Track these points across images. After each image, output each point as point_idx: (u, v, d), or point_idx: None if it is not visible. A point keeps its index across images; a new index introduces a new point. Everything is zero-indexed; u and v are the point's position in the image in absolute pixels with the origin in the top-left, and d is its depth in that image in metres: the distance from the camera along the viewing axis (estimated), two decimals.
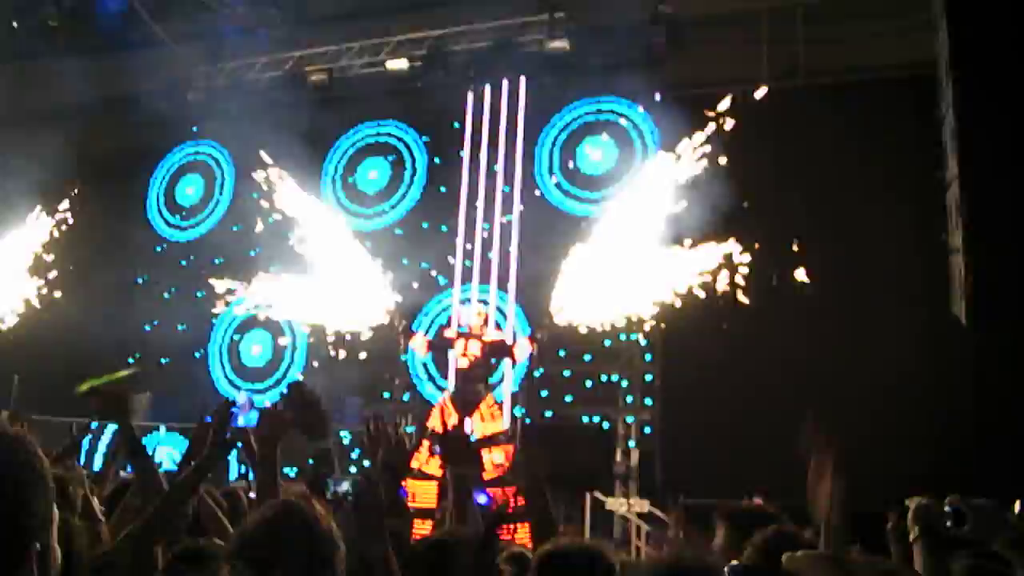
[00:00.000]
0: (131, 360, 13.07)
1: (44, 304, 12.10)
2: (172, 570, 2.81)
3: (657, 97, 11.88)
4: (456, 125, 13.16)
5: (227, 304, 10.94)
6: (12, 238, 12.16)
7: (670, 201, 9.71)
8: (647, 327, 10.22)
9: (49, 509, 1.25)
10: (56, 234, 12.24)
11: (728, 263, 9.24)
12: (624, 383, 12.08)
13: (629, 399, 12.00)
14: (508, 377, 11.50)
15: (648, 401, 11.91)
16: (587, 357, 11.77)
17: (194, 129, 14.33)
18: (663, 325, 10.05)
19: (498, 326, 10.26)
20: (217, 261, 13.13)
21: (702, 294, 9.26)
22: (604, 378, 12.04)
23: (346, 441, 11.99)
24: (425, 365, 11.55)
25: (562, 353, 11.51)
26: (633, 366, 12.06)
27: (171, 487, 2.92)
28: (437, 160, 13.62)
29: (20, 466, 1.20)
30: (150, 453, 3.17)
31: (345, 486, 3.71)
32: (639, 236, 9.77)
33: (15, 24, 13.79)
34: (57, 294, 12.13)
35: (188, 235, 14.71)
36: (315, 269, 10.50)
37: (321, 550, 2.11)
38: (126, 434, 3.08)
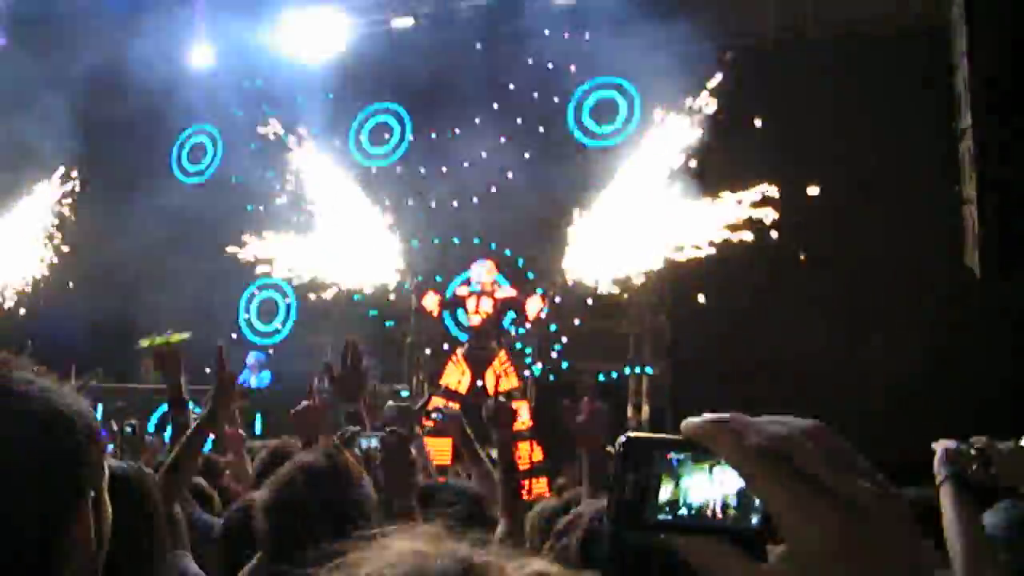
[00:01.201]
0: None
1: (55, 272, 12.16)
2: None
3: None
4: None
5: (248, 267, 11.04)
6: (24, 207, 12.20)
7: (679, 155, 9.71)
8: (658, 281, 10.26)
9: (101, 459, 1.29)
10: (68, 201, 12.26)
11: (739, 215, 9.24)
12: (635, 338, 12.09)
13: (640, 354, 12.02)
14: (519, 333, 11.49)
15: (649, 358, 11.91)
16: (598, 312, 11.74)
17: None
18: (674, 279, 10.06)
19: (510, 283, 10.26)
20: (226, 221, 13.10)
21: (712, 248, 9.27)
22: (616, 333, 12.04)
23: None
24: (438, 323, 11.51)
25: (573, 308, 11.52)
26: (644, 321, 12.06)
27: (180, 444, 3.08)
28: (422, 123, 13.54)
29: (73, 414, 1.25)
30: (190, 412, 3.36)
31: (374, 442, 3.77)
32: (650, 190, 9.78)
33: None
34: (67, 262, 12.18)
35: (198, 199, 14.60)
36: (327, 228, 10.57)
37: (354, 499, 2.16)
38: (175, 391, 3.27)
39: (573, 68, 12.17)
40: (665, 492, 0.80)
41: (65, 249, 12.30)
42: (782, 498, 0.74)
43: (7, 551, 1.16)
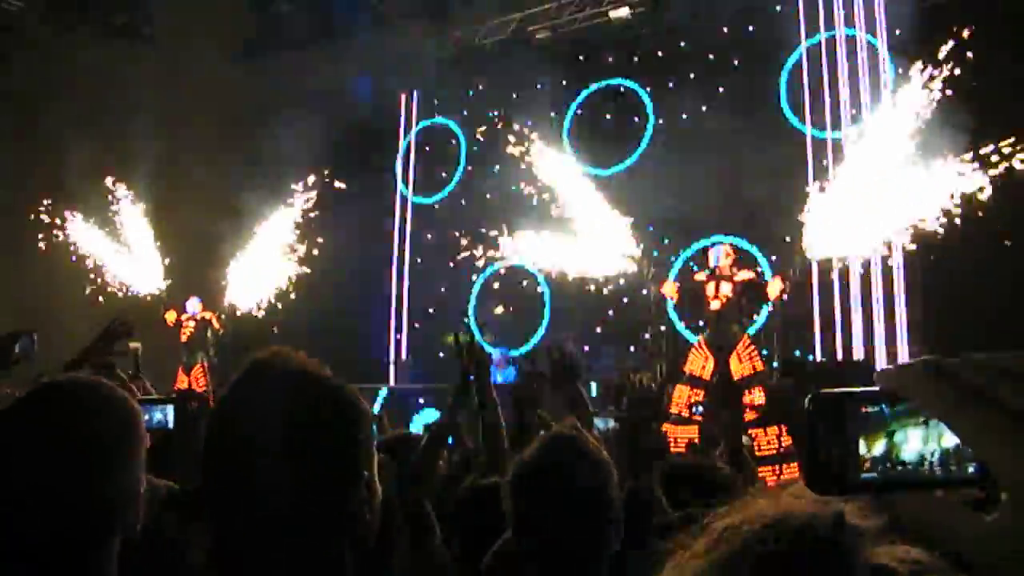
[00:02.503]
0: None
1: (303, 280, 12.79)
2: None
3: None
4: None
5: (482, 264, 11.36)
6: (271, 222, 12.91)
7: (916, 120, 9.26)
8: (904, 255, 9.83)
9: (371, 443, 1.38)
10: (310, 215, 12.86)
11: (988, 178, 8.73)
12: (881, 316, 11.61)
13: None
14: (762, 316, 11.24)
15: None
16: (839, 290, 11.32)
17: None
18: (921, 252, 9.60)
19: (748, 265, 10.03)
20: (461, 223, 13.50)
21: (960, 214, 8.80)
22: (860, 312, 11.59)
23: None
24: (676, 310, 11.44)
25: (815, 287, 11.19)
26: (890, 298, 11.56)
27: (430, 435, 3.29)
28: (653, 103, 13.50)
29: (349, 403, 1.36)
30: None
31: (610, 423, 3.86)
32: (887, 159, 9.37)
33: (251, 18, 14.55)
34: (308, 270, 12.79)
35: (432, 201, 15.10)
36: (560, 223, 10.71)
37: (595, 478, 2.18)
38: (479, 380, 3.38)
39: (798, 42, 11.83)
40: (873, 448, 0.74)
41: (312, 255, 12.88)
42: (987, 438, 0.68)
43: (302, 514, 1.28)
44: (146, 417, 4.83)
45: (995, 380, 0.69)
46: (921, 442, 0.75)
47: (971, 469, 0.74)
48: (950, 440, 0.74)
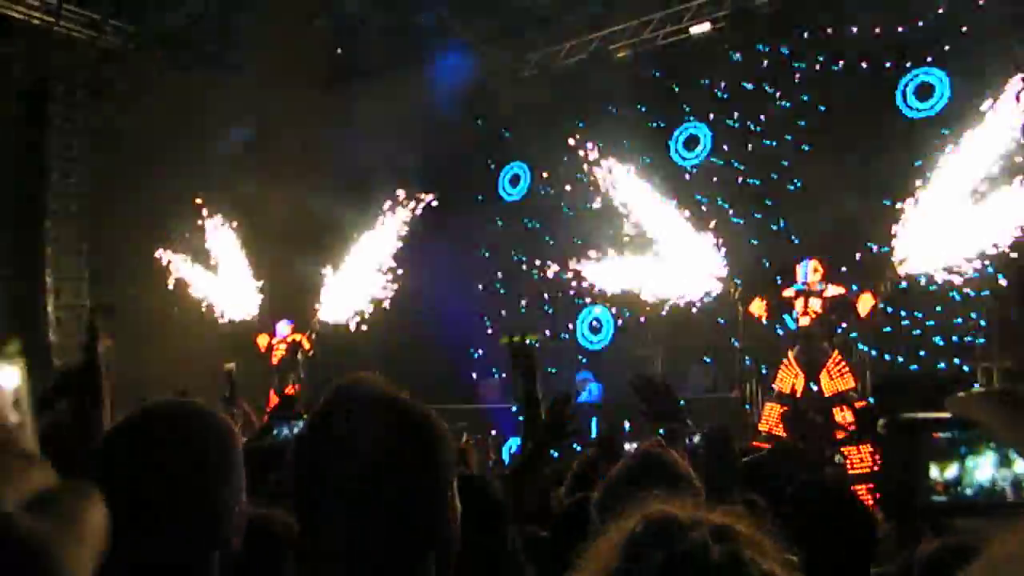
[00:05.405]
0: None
1: (396, 298, 12.87)
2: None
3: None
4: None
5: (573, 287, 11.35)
6: (362, 244, 13.04)
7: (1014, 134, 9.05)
8: (1000, 268, 9.58)
9: (452, 464, 1.43)
10: (404, 234, 12.93)
11: None
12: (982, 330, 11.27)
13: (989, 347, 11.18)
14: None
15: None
16: (937, 305, 11.00)
17: None
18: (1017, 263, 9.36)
19: (838, 281, 9.84)
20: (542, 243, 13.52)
21: None
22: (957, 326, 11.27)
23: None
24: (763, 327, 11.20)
25: (910, 302, 10.92)
26: (988, 310, 11.21)
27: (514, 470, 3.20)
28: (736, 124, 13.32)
29: (431, 425, 1.40)
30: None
31: (696, 439, 3.85)
32: (982, 174, 9.15)
33: (339, 50, 14.80)
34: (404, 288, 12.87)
35: (517, 226, 15.07)
36: (646, 246, 10.67)
37: (682, 492, 2.19)
38: (528, 385, 3.31)
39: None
40: (945, 473, 0.74)
41: (402, 275, 12.96)
42: None
43: (390, 535, 1.32)
44: (273, 432, 5.02)
45: None
46: (993, 467, 0.76)
47: None
48: (1023, 466, 0.74)
